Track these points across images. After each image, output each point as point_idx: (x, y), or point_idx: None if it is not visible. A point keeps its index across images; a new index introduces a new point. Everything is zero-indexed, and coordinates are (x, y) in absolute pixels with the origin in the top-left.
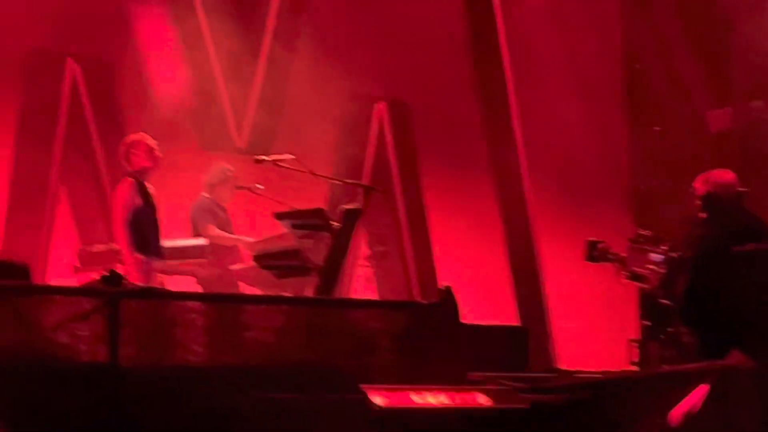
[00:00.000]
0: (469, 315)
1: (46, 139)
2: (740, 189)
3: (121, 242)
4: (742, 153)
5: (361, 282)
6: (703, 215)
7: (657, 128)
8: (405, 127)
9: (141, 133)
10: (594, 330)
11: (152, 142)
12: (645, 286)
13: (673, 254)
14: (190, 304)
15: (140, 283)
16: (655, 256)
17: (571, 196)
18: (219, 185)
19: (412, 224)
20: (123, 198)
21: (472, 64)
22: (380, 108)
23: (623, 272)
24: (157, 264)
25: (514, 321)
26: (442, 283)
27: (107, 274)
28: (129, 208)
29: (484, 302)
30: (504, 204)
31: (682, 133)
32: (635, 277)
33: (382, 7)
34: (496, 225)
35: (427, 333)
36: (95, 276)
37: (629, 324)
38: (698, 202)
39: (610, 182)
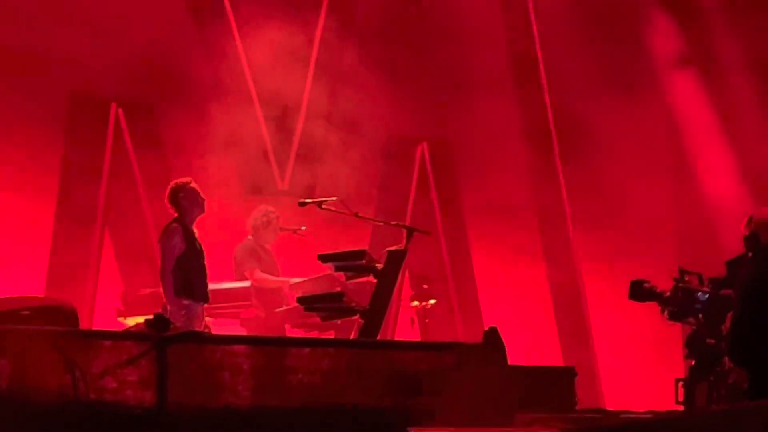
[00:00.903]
0: (513, 355)
1: (90, 183)
2: None
3: (167, 288)
4: None
5: (405, 323)
6: (749, 254)
7: None
8: (447, 167)
9: (187, 177)
10: (640, 370)
11: (197, 186)
12: (690, 325)
13: (719, 293)
14: (236, 347)
15: (186, 328)
16: (701, 295)
17: (616, 236)
18: (262, 228)
19: (455, 264)
20: (172, 245)
21: (515, 104)
22: (422, 148)
23: (668, 311)
24: (203, 307)
25: (558, 361)
26: (487, 323)
27: (152, 318)
28: (176, 255)
29: (529, 342)
30: (548, 243)
31: (725, 172)
32: (680, 316)
33: (424, 46)
34: (540, 265)
35: (473, 374)
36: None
37: (675, 363)
38: (744, 242)
39: (654, 222)
